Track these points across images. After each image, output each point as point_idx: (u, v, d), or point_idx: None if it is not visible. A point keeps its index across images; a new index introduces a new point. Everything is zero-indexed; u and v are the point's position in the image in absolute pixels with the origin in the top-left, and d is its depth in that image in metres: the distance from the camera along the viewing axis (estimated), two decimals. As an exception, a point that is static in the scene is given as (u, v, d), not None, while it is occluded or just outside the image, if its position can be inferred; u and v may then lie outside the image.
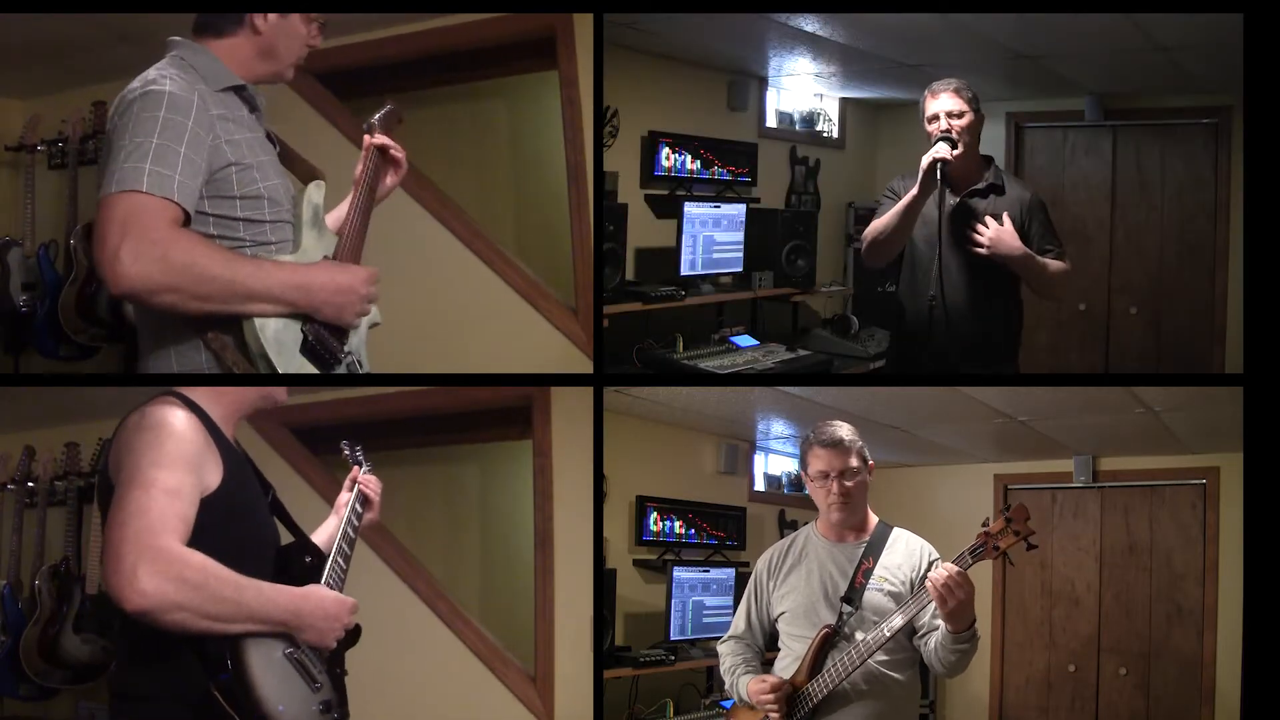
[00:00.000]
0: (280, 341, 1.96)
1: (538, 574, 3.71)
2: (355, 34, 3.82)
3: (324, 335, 2.04)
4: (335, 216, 2.28)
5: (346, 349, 2.10)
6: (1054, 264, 3.09)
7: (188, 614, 1.68)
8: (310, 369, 2.03)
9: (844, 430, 2.64)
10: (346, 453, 2.42)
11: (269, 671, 1.79)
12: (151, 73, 1.97)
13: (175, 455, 1.79)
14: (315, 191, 2.17)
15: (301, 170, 2.28)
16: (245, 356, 1.95)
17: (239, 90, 2.10)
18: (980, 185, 3.08)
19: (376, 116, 2.34)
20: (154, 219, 1.82)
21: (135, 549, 1.66)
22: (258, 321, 1.93)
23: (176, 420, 1.84)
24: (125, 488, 1.74)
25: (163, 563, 1.66)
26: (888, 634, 2.45)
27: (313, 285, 2.00)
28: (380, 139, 2.30)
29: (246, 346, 1.95)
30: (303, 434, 3.98)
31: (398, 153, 2.32)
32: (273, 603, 1.82)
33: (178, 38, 2.09)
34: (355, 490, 2.33)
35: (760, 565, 2.77)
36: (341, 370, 2.10)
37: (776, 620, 2.70)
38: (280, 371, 1.96)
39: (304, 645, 1.88)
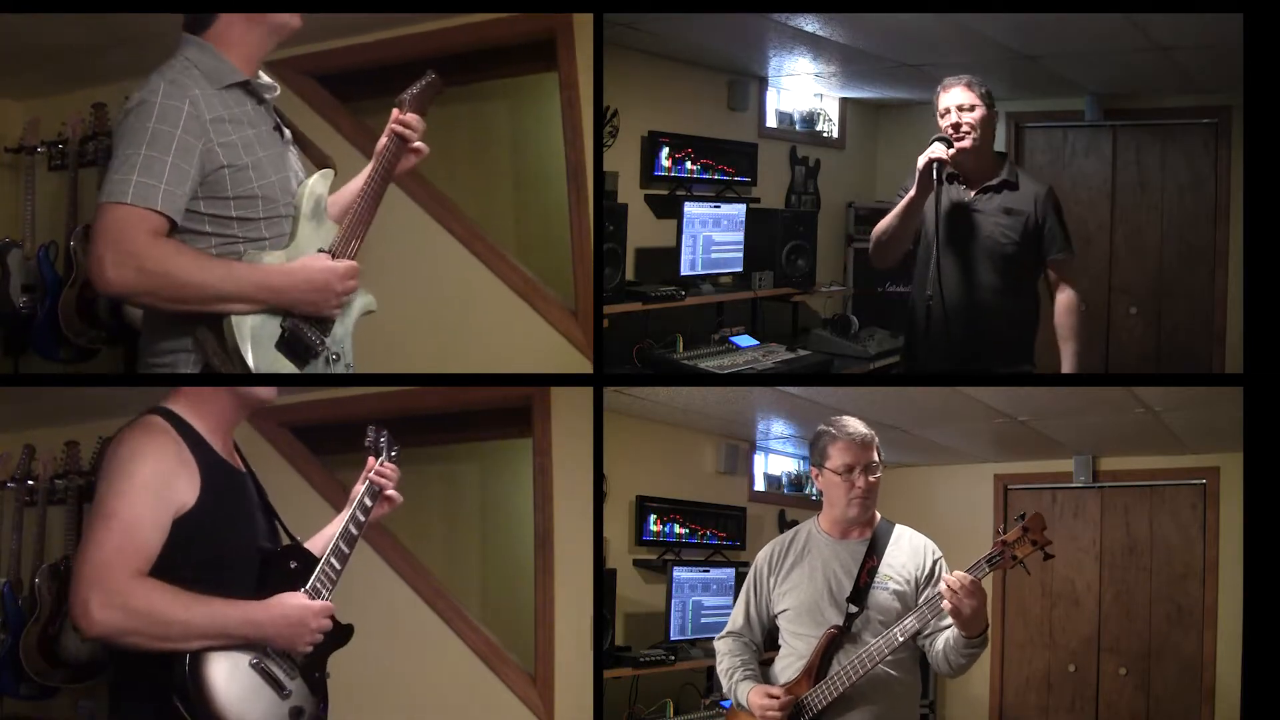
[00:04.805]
0: (255, 336, 2.04)
1: (538, 574, 3.70)
2: (355, 36, 3.82)
3: (301, 329, 2.09)
4: (341, 200, 2.28)
5: (327, 342, 2.14)
6: (1068, 331, 3.14)
7: (139, 638, 1.81)
8: (286, 362, 2.08)
9: (863, 425, 2.63)
10: (370, 439, 2.27)
11: (233, 683, 1.86)
12: (151, 81, 2.02)
13: (139, 484, 1.87)
14: (319, 182, 2.20)
15: (316, 156, 2.29)
16: (223, 350, 2.03)
17: (244, 85, 2.11)
18: (994, 181, 3.08)
19: (410, 91, 2.30)
20: (133, 230, 1.92)
21: (88, 581, 1.79)
22: (235, 317, 2.02)
23: (150, 445, 1.92)
24: (91, 517, 1.86)
25: (110, 594, 1.78)
26: (900, 639, 2.44)
27: (283, 285, 2.07)
28: (399, 125, 2.27)
29: (224, 341, 2.02)
30: (303, 434, 3.97)
31: (417, 143, 2.31)
32: (226, 619, 1.87)
33: (187, 34, 2.12)
34: (366, 484, 2.22)
35: (760, 560, 2.73)
36: (319, 364, 2.14)
37: (777, 617, 2.67)
38: (252, 363, 2.02)
39: (273, 654, 1.93)
